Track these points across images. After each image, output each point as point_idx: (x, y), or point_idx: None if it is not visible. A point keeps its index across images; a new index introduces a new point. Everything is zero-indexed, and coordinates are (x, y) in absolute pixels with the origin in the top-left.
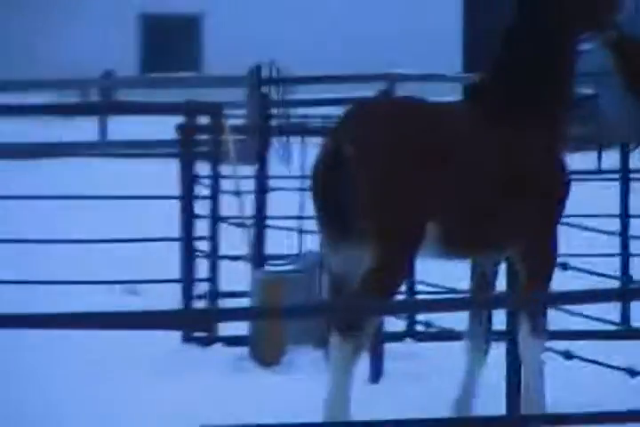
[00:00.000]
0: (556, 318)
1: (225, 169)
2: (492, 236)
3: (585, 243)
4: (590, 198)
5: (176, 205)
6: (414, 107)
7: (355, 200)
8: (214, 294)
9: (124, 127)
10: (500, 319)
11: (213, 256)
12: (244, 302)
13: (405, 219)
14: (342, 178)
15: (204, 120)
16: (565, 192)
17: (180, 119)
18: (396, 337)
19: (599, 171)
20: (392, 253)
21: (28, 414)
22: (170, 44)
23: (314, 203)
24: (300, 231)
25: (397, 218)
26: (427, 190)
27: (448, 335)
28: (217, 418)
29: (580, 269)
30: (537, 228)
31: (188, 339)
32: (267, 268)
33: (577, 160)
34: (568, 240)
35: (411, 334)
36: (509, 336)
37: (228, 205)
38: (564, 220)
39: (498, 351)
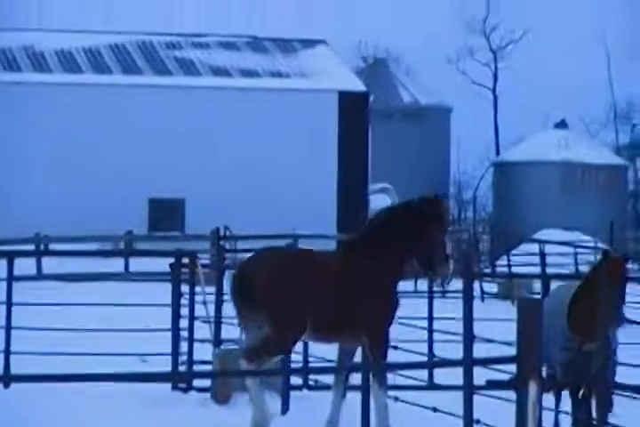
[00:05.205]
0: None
1: (197, 288)
2: (346, 332)
3: (407, 333)
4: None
5: (169, 309)
6: (290, 252)
7: (255, 305)
8: (191, 362)
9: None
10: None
11: (191, 339)
12: (209, 368)
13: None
14: (247, 292)
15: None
16: (395, 306)
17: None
18: (298, 387)
19: (415, 291)
20: (279, 339)
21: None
22: (165, 218)
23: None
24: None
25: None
26: (300, 305)
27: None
28: None
29: (403, 349)
30: (376, 328)
31: (175, 387)
32: (222, 347)
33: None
34: (396, 332)
35: (306, 385)
36: (364, 389)
37: (199, 310)
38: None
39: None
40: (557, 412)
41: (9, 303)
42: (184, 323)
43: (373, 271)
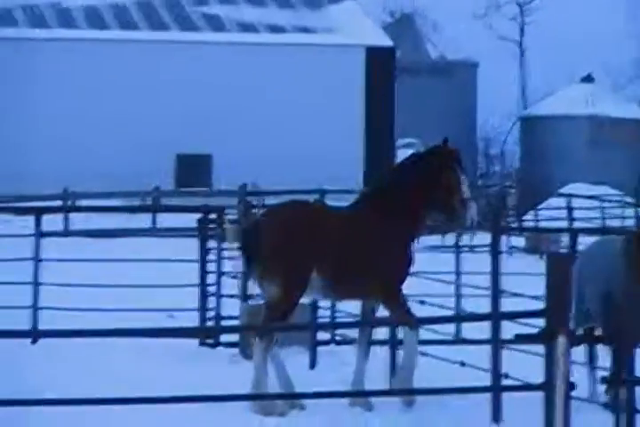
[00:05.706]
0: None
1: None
2: (357, 288)
3: (434, 288)
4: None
5: (196, 265)
6: (301, 207)
7: (261, 261)
8: (218, 317)
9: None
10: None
11: (218, 294)
12: (236, 323)
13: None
14: (254, 247)
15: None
16: (409, 263)
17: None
18: (325, 342)
19: (443, 246)
20: (285, 301)
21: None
22: (193, 174)
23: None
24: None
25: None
26: (309, 257)
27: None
28: (221, 386)
29: (430, 304)
30: (387, 284)
31: (202, 343)
32: (249, 302)
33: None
34: (423, 286)
35: (333, 340)
36: (391, 343)
37: (227, 265)
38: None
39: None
40: (593, 368)
41: (36, 259)
42: (211, 278)
43: (387, 226)
